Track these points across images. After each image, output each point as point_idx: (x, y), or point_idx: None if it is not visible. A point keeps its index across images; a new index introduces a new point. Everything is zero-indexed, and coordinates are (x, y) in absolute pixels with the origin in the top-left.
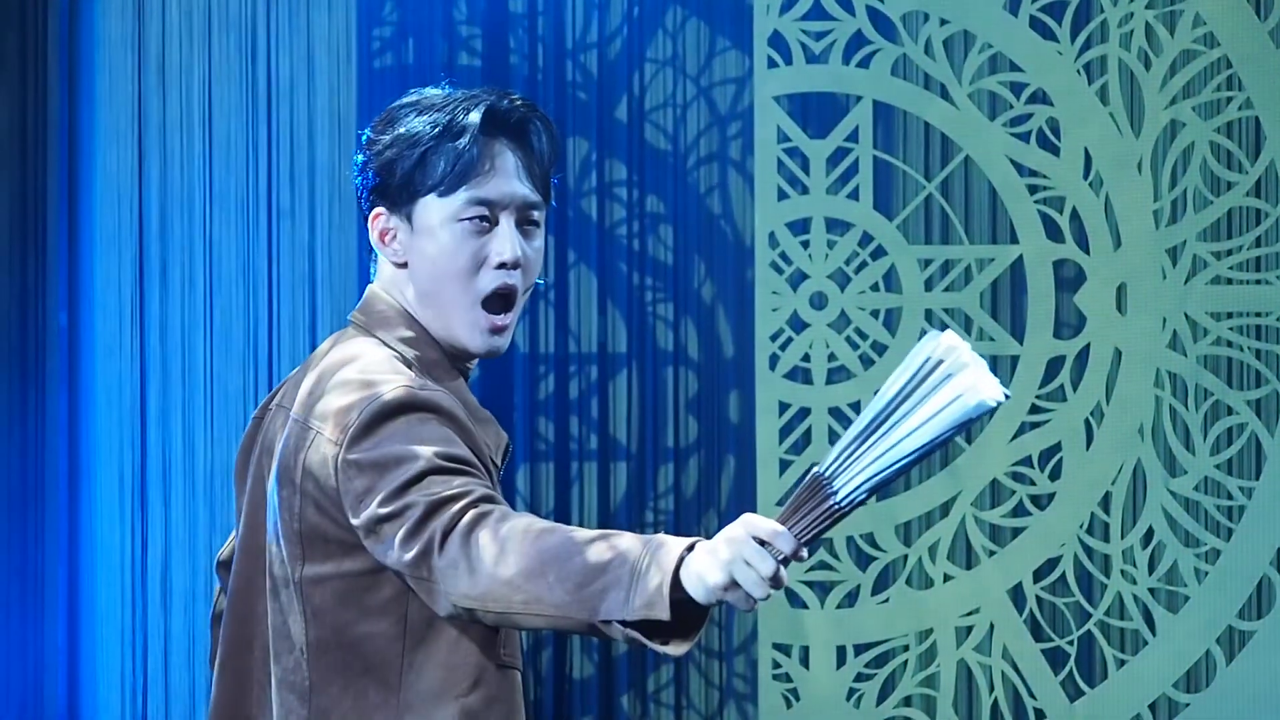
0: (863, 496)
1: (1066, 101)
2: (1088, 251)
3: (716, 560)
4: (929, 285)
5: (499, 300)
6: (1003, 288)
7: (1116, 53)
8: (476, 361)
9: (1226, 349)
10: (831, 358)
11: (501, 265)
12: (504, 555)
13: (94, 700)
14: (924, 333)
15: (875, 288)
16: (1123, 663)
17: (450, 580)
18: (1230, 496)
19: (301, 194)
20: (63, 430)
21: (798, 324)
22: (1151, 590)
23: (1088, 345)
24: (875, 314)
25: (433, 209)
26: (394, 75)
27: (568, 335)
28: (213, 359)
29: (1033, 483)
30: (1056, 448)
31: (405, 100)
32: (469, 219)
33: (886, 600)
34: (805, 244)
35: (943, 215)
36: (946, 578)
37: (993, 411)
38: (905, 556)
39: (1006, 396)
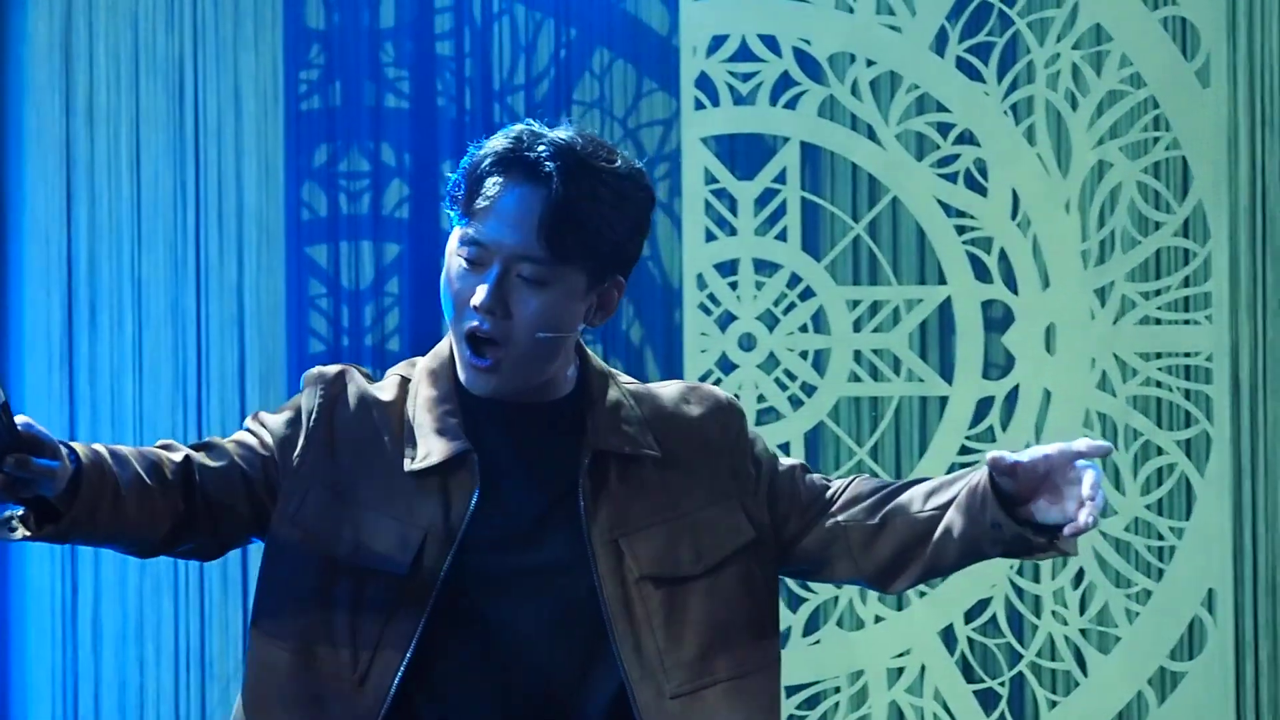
0: None
1: (994, 142)
2: (1016, 292)
3: None
4: (858, 326)
5: (481, 340)
6: (931, 328)
7: (1043, 93)
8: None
9: (1156, 389)
10: (761, 399)
11: (476, 308)
12: None
13: None
14: (853, 374)
15: (804, 329)
16: (1054, 704)
17: None
18: (1161, 537)
19: (230, 235)
20: None
21: (727, 365)
22: (1083, 631)
23: (1017, 386)
24: (804, 355)
25: (453, 235)
26: (321, 117)
27: None
28: (142, 400)
29: None
30: None
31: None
32: (461, 255)
33: (817, 641)
34: (734, 285)
35: (871, 256)
36: (877, 619)
37: None
38: (836, 598)
39: None
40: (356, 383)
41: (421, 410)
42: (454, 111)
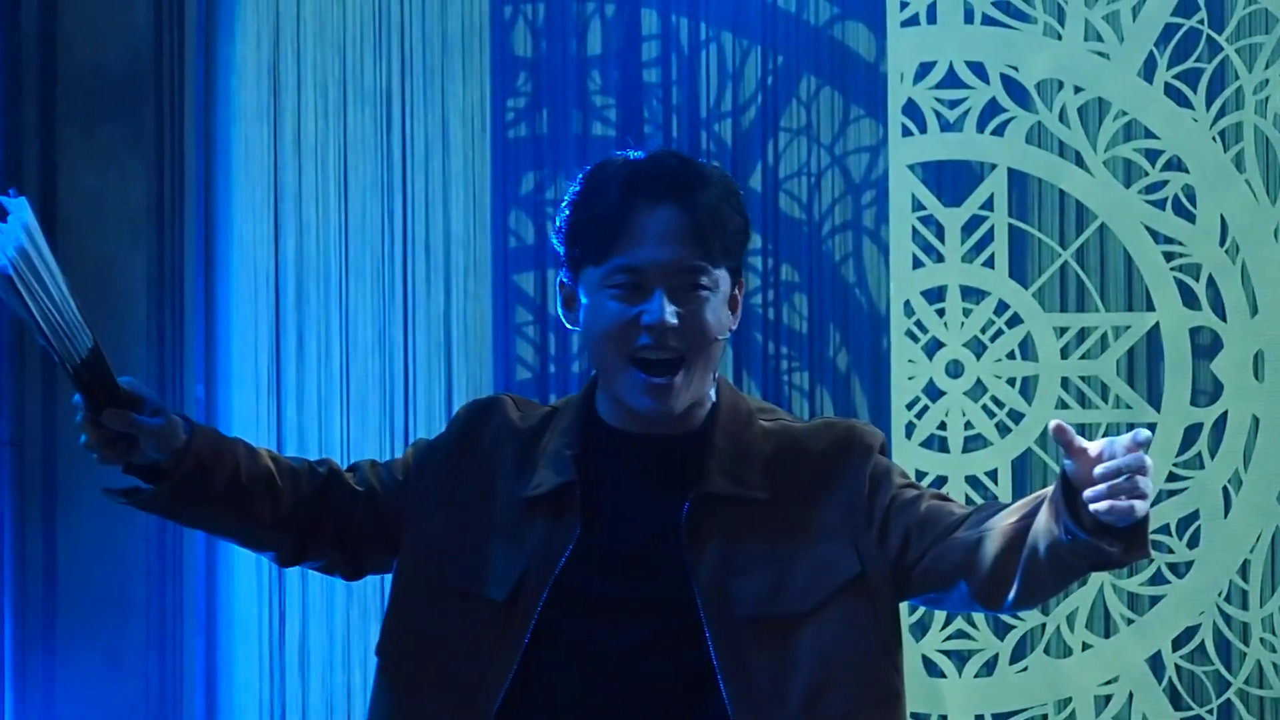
0: None
1: (1202, 168)
2: (1224, 318)
3: None
4: (1065, 353)
5: (657, 363)
6: (1139, 355)
7: (1252, 119)
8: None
9: None
10: (968, 426)
11: (649, 329)
12: None
13: None
14: (1060, 401)
15: (1011, 355)
16: None
17: None
18: None
19: (437, 264)
20: None
21: (934, 392)
22: None
23: (1225, 412)
24: (1011, 382)
25: (590, 277)
26: (528, 145)
27: None
28: (349, 429)
29: (1171, 550)
30: (1194, 515)
31: (589, 168)
32: (616, 286)
33: (1025, 669)
34: (941, 312)
35: (1078, 283)
36: (1085, 646)
37: None
38: (1043, 625)
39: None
40: (503, 412)
41: (550, 440)
42: (661, 139)
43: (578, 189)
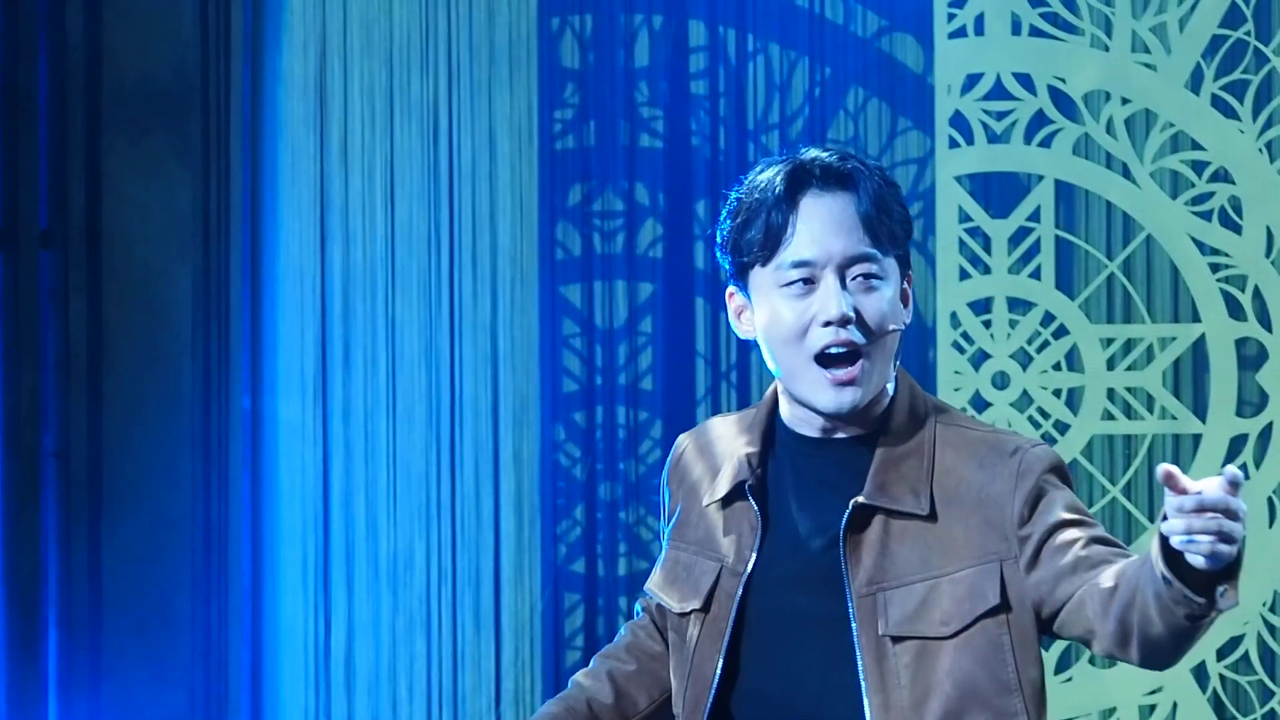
0: None
1: (1248, 180)
2: (1270, 329)
3: None
4: (1111, 364)
5: (837, 357)
6: (1185, 366)
7: None
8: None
9: None
10: None
11: (828, 323)
12: None
13: None
14: (1106, 412)
15: (1057, 367)
16: None
17: None
18: None
19: (483, 275)
20: (246, 512)
21: (980, 403)
22: None
23: (1270, 423)
24: (1057, 393)
25: (760, 280)
26: (576, 157)
27: None
28: (396, 440)
29: None
30: None
31: (744, 176)
32: (789, 284)
33: (1070, 679)
34: (987, 324)
35: (1125, 294)
36: None
37: None
38: None
39: None
40: (698, 437)
41: (736, 445)
42: (708, 151)
43: (737, 195)
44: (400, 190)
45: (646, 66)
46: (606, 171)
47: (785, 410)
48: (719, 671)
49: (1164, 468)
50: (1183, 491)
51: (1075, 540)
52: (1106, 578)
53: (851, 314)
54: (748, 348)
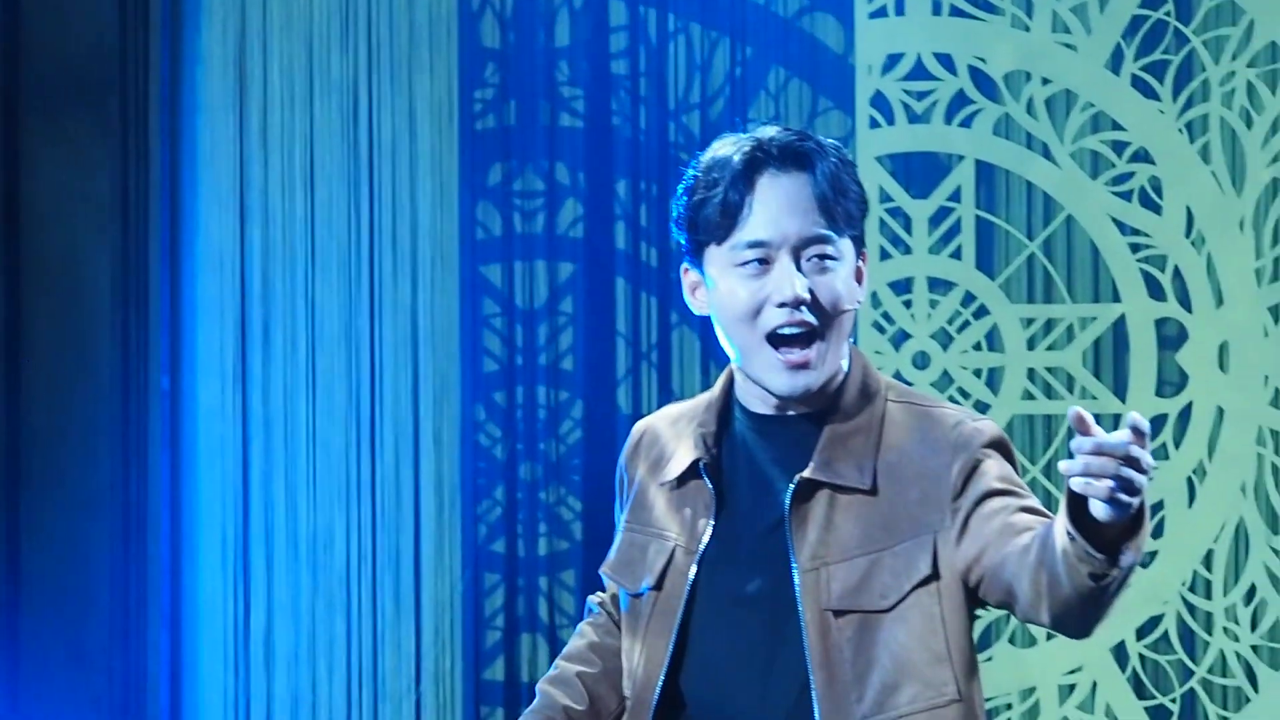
0: None
1: (1168, 160)
2: (1190, 310)
3: None
4: (1031, 344)
5: (790, 338)
6: (1105, 346)
7: (1218, 111)
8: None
9: None
10: None
11: (782, 304)
12: None
13: None
14: (1026, 393)
15: (978, 347)
16: None
17: None
18: None
19: (404, 255)
20: (165, 493)
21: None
22: (1254, 647)
23: (1190, 403)
24: (978, 373)
25: (715, 258)
26: (496, 137)
27: (670, 397)
28: (315, 420)
29: None
30: (1159, 506)
31: (700, 153)
32: (744, 263)
33: (990, 659)
34: (908, 304)
35: (1045, 274)
36: (1049, 635)
37: None
38: (1008, 615)
39: None
40: (656, 421)
41: (690, 427)
42: (629, 130)
43: (695, 172)
44: (320, 171)
45: (567, 46)
46: (527, 151)
47: (740, 388)
48: (670, 650)
49: (1075, 410)
50: (1088, 434)
51: (1003, 509)
52: (1024, 539)
53: (806, 295)
54: (668, 328)
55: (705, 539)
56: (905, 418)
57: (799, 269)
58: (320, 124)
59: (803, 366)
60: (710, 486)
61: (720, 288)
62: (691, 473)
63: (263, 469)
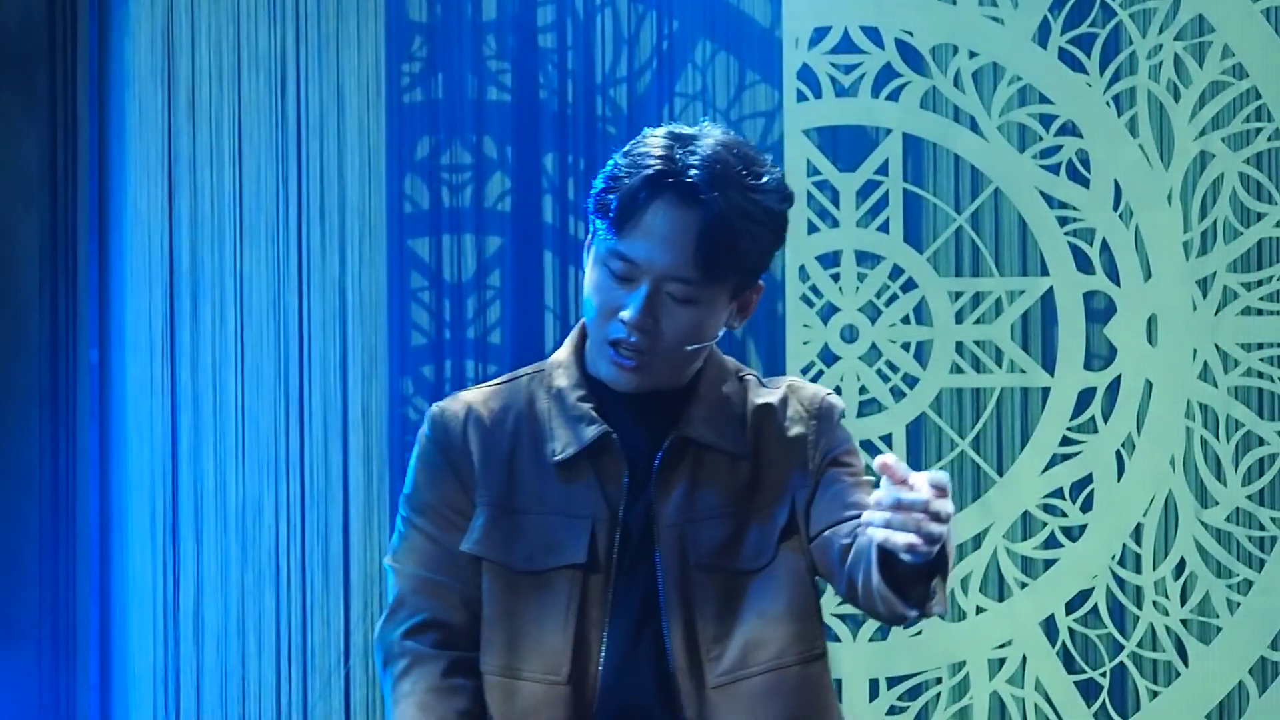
0: None
1: (1096, 133)
2: (1118, 283)
3: None
4: (960, 317)
5: (625, 349)
6: (1033, 320)
7: (1146, 84)
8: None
9: (1257, 380)
10: (863, 390)
11: (622, 322)
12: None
13: None
14: (955, 366)
15: (906, 320)
16: (1155, 694)
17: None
18: (1262, 527)
19: (332, 228)
20: (94, 466)
21: (829, 357)
22: (1184, 621)
23: (1118, 377)
24: (906, 346)
25: (599, 246)
26: (423, 110)
27: None
28: (244, 394)
29: (1064, 514)
30: (1088, 479)
31: (636, 139)
32: (609, 267)
33: (919, 633)
34: (836, 277)
35: (973, 247)
36: (979, 610)
37: None
38: None
39: None
40: (474, 404)
41: (555, 403)
42: (556, 104)
43: (618, 159)
44: (248, 144)
45: (494, 20)
46: (454, 125)
47: (595, 365)
48: (608, 625)
49: (881, 459)
50: (900, 480)
51: (846, 479)
52: (847, 533)
53: (643, 328)
54: None
55: (623, 506)
56: (766, 390)
57: (657, 296)
58: (248, 97)
59: (627, 370)
60: (619, 453)
61: (590, 272)
62: (601, 445)
63: (191, 442)
